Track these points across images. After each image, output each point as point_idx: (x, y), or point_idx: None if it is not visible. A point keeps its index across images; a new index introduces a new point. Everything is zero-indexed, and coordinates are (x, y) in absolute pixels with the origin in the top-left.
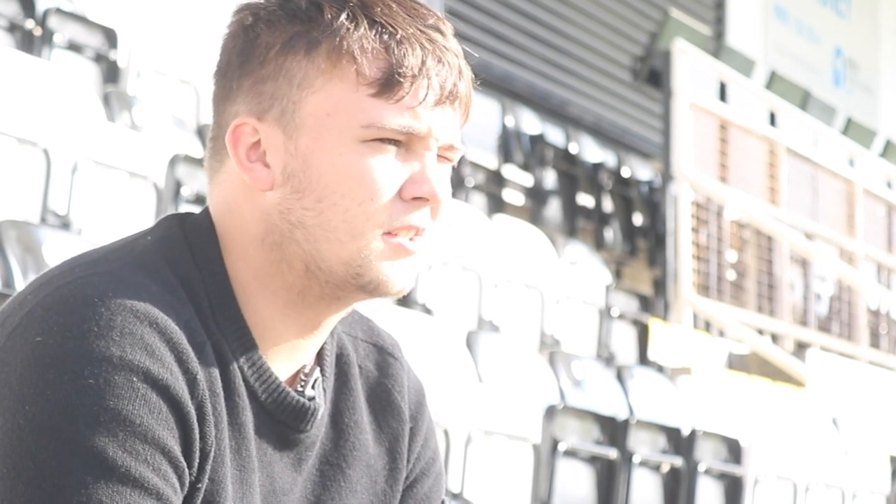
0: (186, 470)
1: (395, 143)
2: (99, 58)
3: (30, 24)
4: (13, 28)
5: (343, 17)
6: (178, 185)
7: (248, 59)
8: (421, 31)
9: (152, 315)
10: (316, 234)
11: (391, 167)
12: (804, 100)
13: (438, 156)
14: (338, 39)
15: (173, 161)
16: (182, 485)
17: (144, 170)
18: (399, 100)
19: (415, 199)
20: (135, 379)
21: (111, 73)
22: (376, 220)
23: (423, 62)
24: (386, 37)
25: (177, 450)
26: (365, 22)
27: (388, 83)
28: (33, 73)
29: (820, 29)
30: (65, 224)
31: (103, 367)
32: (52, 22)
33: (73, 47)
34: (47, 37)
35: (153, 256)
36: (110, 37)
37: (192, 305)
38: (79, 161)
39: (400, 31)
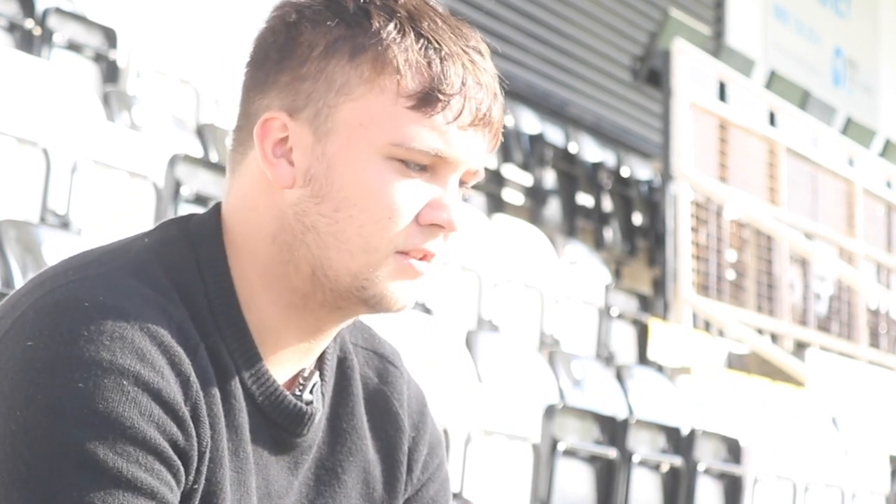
0: (182, 468)
1: (422, 167)
2: (98, 57)
3: (29, 23)
4: (13, 28)
5: (391, 26)
6: (178, 184)
7: (287, 55)
8: (464, 50)
9: (143, 318)
10: (327, 242)
11: (414, 190)
12: (804, 99)
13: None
14: (383, 49)
15: (173, 161)
16: (178, 482)
17: (144, 169)
18: (434, 115)
19: (431, 224)
20: (125, 382)
21: (111, 73)
22: (392, 240)
23: (464, 82)
24: (431, 52)
25: (169, 450)
26: (412, 34)
27: (427, 98)
28: (33, 73)
29: (820, 29)
30: (64, 224)
31: (93, 371)
32: (52, 21)
33: (73, 47)
34: (47, 36)
35: (148, 258)
36: (110, 36)
37: (185, 308)
38: (78, 161)
39: (444, 48)
